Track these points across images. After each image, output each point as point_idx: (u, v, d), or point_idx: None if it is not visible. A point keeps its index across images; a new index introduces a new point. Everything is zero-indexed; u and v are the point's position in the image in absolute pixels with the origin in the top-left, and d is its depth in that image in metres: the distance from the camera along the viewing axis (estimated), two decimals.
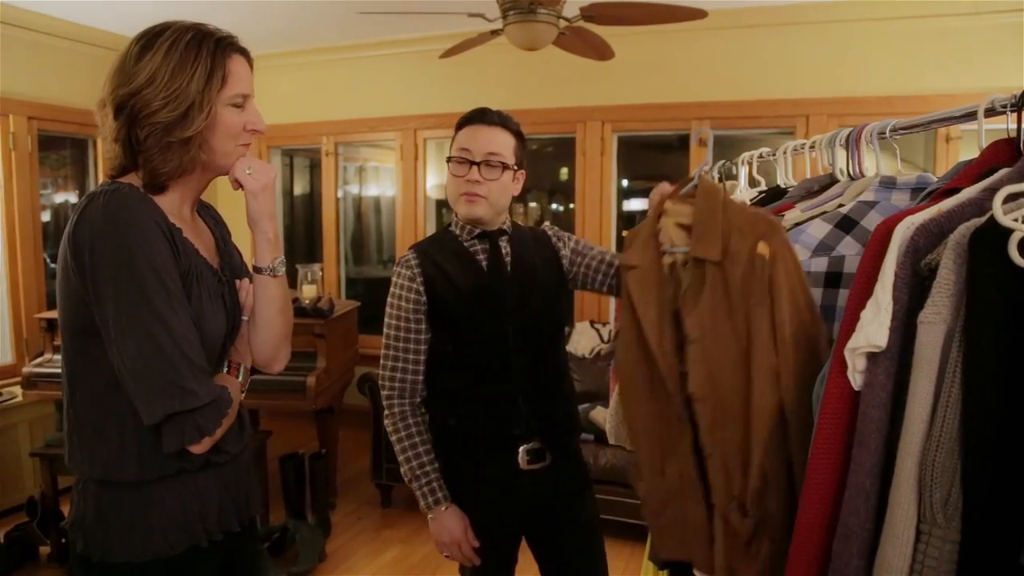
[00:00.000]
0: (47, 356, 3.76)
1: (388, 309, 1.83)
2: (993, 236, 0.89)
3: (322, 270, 4.88)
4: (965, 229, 0.94)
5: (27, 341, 4.20)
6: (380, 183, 6.78)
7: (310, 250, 5.87)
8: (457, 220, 1.88)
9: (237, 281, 1.47)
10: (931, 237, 1.00)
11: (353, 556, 3.46)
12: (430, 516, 1.80)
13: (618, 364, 1.58)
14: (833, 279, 1.37)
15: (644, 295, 1.48)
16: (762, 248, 1.29)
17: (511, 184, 1.84)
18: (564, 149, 4.83)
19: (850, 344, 1.04)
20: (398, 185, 5.19)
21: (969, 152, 2.57)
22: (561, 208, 6.74)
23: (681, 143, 4.64)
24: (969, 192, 1.04)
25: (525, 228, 1.99)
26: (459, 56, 3.60)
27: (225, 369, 1.42)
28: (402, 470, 1.82)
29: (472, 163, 1.78)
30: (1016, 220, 0.89)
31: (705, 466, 1.40)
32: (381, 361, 1.84)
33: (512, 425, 1.80)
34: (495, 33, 3.27)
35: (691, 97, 4.27)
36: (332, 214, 5.44)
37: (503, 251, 1.88)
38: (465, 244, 1.86)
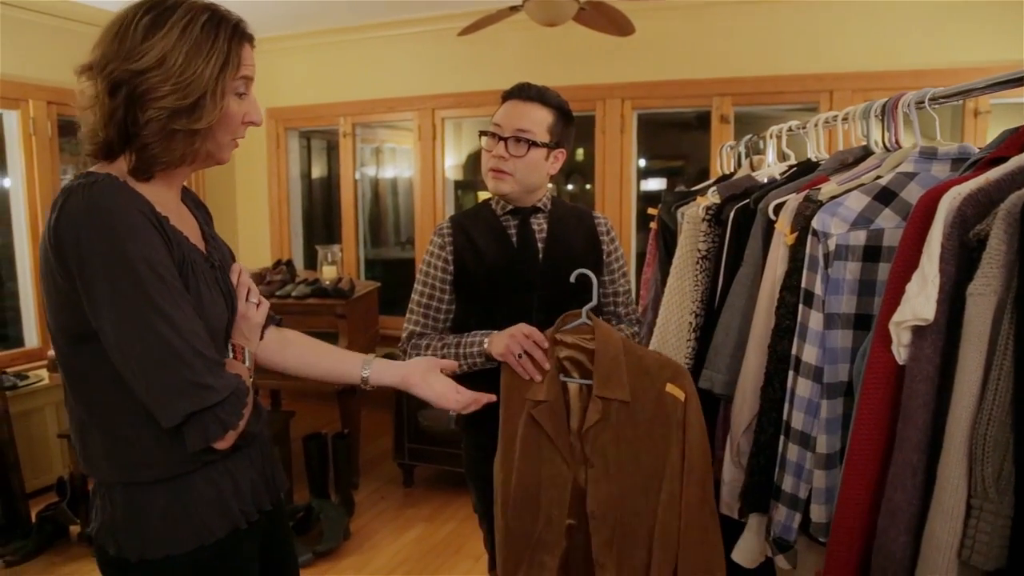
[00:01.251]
0: None
1: (418, 275, 1.86)
2: None
3: (341, 251, 4.90)
4: (1016, 198, 0.91)
5: None
6: (397, 164, 6.76)
7: (328, 232, 5.88)
8: (496, 196, 1.89)
9: (233, 269, 1.40)
10: (979, 207, 0.98)
11: (377, 534, 3.48)
12: (487, 346, 1.69)
13: (506, 475, 1.63)
14: (872, 253, 1.35)
15: (554, 424, 1.57)
16: (673, 390, 1.50)
17: (543, 163, 1.82)
18: (581, 129, 4.79)
19: (895, 318, 1.02)
20: (416, 165, 5.16)
21: (998, 127, 2.53)
22: (577, 189, 6.68)
23: (702, 121, 4.58)
24: (1019, 160, 1.02)
25: (569, 206, 1.98)
26: (477, 34, 3.56)
27: (230, 355, 1.33)
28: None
29: (501, 139, 1.76)
30: None
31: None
32: (405, 323, 1.87)
33: None
34: (514, 9, 3.23)
35: (712, 73, 4.20)
36: (350, 196, 5.43)
37: (535, 228, 1.87)
38: (500, 218, 1.87)
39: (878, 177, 1.44)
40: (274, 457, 1.45)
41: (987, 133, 3.73)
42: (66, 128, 4.52)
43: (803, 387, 1.33)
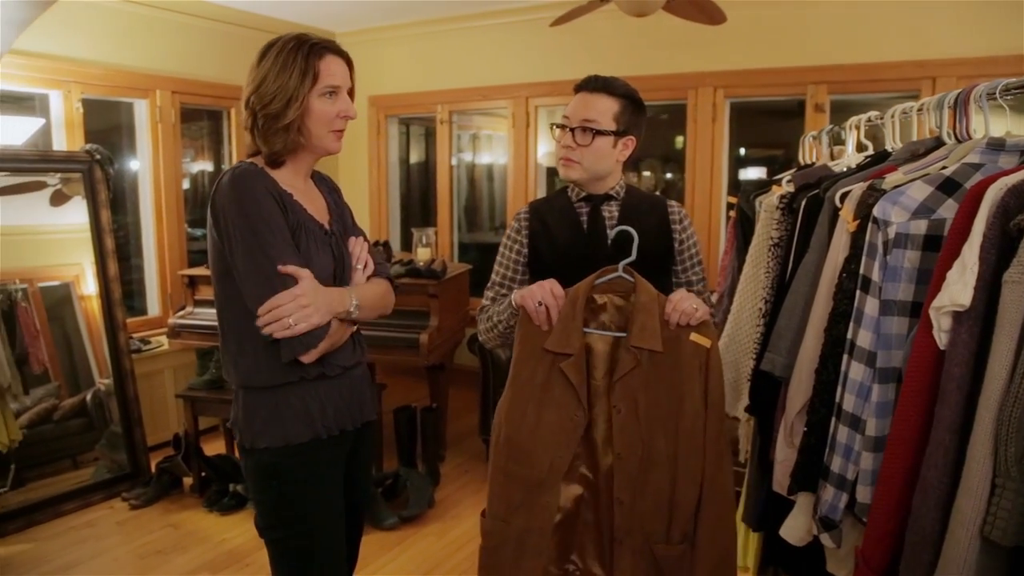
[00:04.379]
0: (189, 309, 4.13)
1: (498, 256, 2.00)
2: None
3: (436, 234, 5.09)
4: None
5: (171, 296, 4.61)
6: (493, 151, 6.91)
7: (425, 215, 6.09)
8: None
9: (351, 240, 1.80)
10: (1022, 198, 1.01)
11: (459, 505, 3.65)
12: (516, 300, 1.75)
13: (514, 420, 1.72)
14: (933, 242, 1.36)
15: (577, 374, 1.67)
16: (698, 338, 1.62)
17: (610, 150, 1.89)
18: (680, 116, 4.77)
19: (935, 303, 1.06)
20: (510, 152, 5.29)
21: None
22: (675, 177, 6.64)
23: (799, 108, 4.50)
24: None
25: (644, 195, 2.04)
26: (569, 24, 3.64)
27: None
28: (494, 320, 1.86)
29: (570, 129, 1.86)
30: None
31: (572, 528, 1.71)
32: (483, 301, 1.98)
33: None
34: (604, 0, 3.29)
35: (807, 61, 4.13)
36: (446, 181, 5.62)
37: (606, 215, 1.94)
38: (573, 205, 1.96)
39: (944, 168, 1.45)
40: (363, 392, 1.80)
41: None
42: (188, 115, 4.89)
43: (856, 371, 1.37)
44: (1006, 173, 1.08)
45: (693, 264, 2.06)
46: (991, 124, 1.46)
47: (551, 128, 1.96)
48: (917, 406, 1.13)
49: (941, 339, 1.07)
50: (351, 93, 1.71)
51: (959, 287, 1.02)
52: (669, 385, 1.63)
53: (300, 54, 1.60)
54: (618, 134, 1.88)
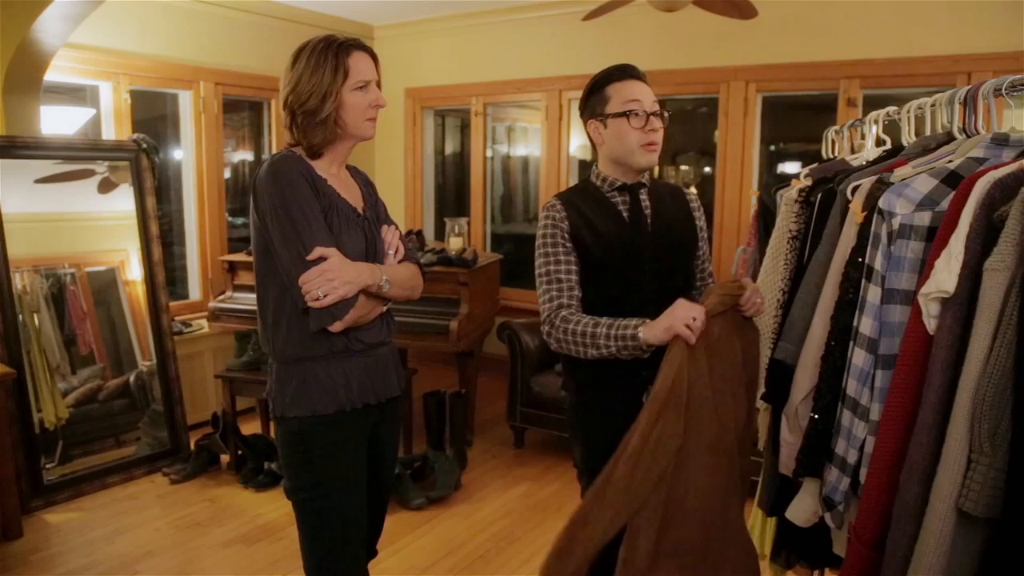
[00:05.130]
0: (228, 294, 4.29)
1: (538, 252, 1.93)
2: None
3: (468, 224, 5.18)
4: None
5: (212, 281, 4.78)
6: (528, 143, 6.99)
7: (459, 206, 6.19)
8: (598, 172, 1.99)
9: (384, 227, 1.93)
10: (1007, 190, 1.06)
11: (485, 488, 3.75)
12: (642, 334, 1.73)
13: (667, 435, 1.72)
14: (935, 234, 1.41)
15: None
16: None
17: None
18: (710, 109, 4.79)
19: (923, 290, 1.12)
20: (542, 145, 5.36)
21: None
22: (713, 171, 6.63)
23: (835, 103, 4.49)
24: None
25: (662, 183, 2.08)
26: (602, 18, 3.69)
27: None
28: (598, 344, 1.79)
29: (649, 114, 1.89)
30: None
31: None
32: (542, 302, 1.91)
33: (642, 366, 1.84)
34: None
35: (839, 55, 4.12)
36: (480, 172, 5.71)
37: (643, 203, 1.98)
38: (606, 195, 1.97)
39: (949, 162, 1.49)
40: (389, 369, 1.92)
41: None
42: (230, 106, 5.04)
43: (859, 357, 1.42)
44: (997, 167, 1.12)
45: (706, 251, 2.12)
46: (1005, 119, 1.50)
47: (620, 117, 1.91)
48: (908, 389, 1.18)
49: (930, 324, 1.13)
50: (379, 85, 1.84)
51: (945, 274, 1.07)
52: (735, 350, 1.83)
53: (330, 53, 1.73)
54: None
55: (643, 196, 1.99)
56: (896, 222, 1.40)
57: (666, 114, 1.91)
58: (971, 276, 1.06)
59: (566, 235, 1.91)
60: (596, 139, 1.99)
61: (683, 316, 1.68)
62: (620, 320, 1.79)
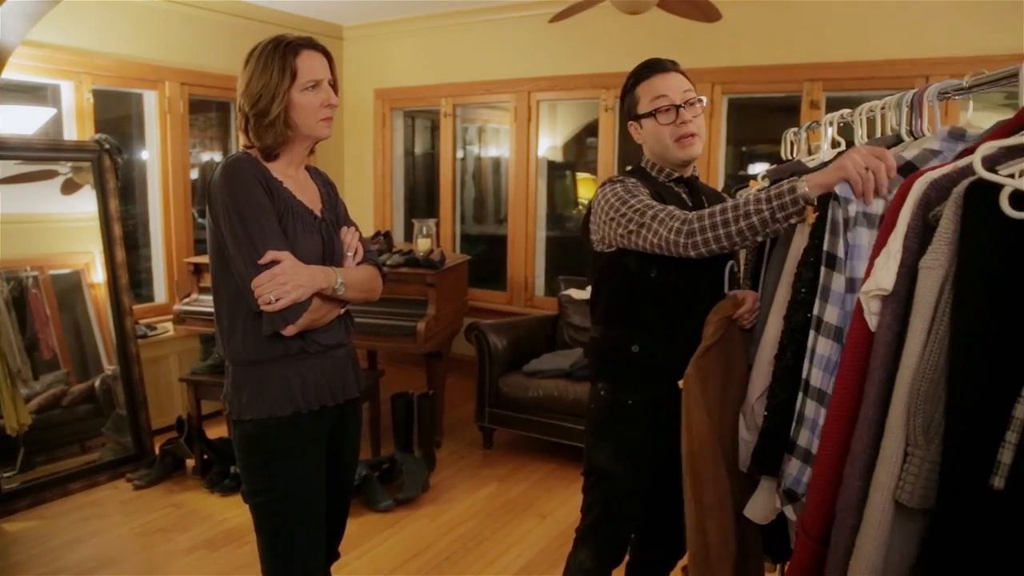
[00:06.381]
0: (194, 296, 4.24)
1: (628, 197, 1.80)
2: (987, 189, 0.97)
3: (437, 225, 5.17)
4: (965, 184, 1.02)
5: (177, 283, 4.73)
6: (499, 144, 7.00)
7: (430, 207, 6.18)
8: (650, 162, 1.96)
9: (343, 229, 1.92)
10: (941, 190, 1.08)
11: (454, 489, 3.75)
12: (805, 187, 1.50)
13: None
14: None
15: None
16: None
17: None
18: None
19: (864, 287, 1.15)
20: (511, 146, 5.38)
21: None
22: None
23: (799, 104, 4.55)
24: (984, 150, 1.10)
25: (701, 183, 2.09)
26: (570, 20, 3.71)
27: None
28: (749, 213, 1.59)
29: (677, 107, 1.87)
30: (1013, 175, 0.97)
31: None
32: (653, 233, 1.72)
33: (673, 356, 1.81)
34: None
35: (802, 58, 4.19)
36: (449, 173, 5.71)
37: (700, 194, 1.98)
38: (666, 185, 1.95)
39: (904, 152, 1.52)
40: (346, 371, 1.90)
41: None
42: (196, 106, 4.99)
43: (823, 346, 1.40)
44: (933, 168, 1.15)
45: None
46: (961, 120, 1.53)
47: (650, 116, 1.88)
48: (852, 385, 1.20)
49: (871, 321, 1.15)
50: (334, 84, 1.82)
51: (884, 272, 1.10)
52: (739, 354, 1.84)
53: (278, 54, 1.73)
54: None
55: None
56: (852, 208, 1.41)
57: (702, 100, 1.90)
58: (908, 274, 1.09)
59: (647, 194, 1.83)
60: (638, 139, 1.99)
61: (857, 161, 1.39)
62: (766, 195, 1.58)
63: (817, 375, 1.45)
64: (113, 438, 3.89)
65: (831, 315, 1.43)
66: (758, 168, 6.38)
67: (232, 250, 1.70)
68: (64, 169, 3.90)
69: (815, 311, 1.47)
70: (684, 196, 1.95)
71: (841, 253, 1.43)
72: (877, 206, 1.44)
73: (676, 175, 1.95)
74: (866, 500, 1.09)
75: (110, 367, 3.94)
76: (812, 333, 1.47)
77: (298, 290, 1.68)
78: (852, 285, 1.42)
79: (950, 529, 0.97)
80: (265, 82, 1.71)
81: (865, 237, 1.42)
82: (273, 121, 1.73)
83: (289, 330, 1.70)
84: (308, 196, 1.87)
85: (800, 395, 1.49)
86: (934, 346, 1.00)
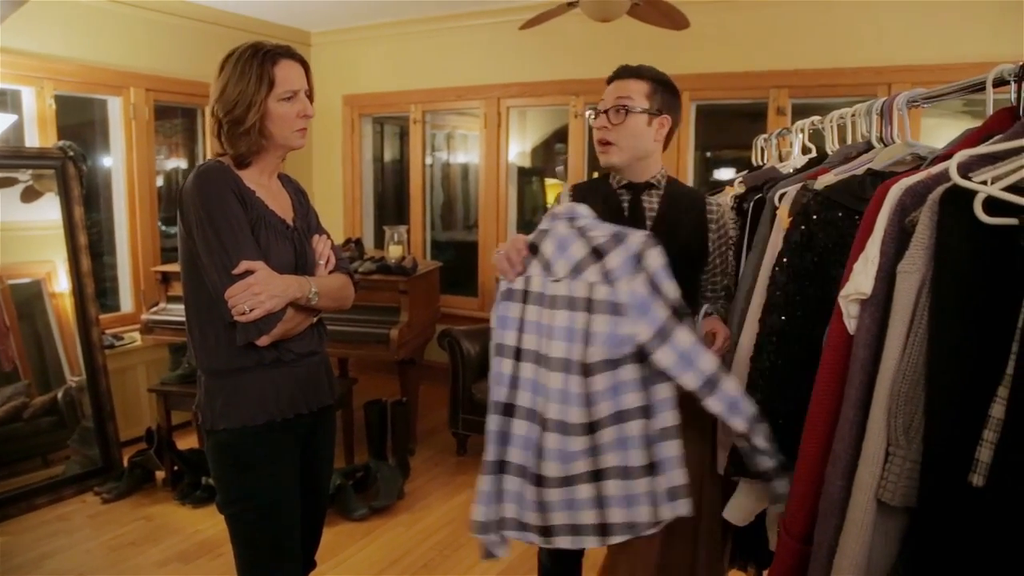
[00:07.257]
0: (162, 305, 4.18)
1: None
2: (961, 195, 1.00)
3: (408, 232, 5.16)
4: (940, 190, 1.05)
5: (144, 292, 4.65)
6: (468, 151, 7.00)
7: (399, 214, 6.16)
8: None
9: (315, 237, 1.92)
10: (917, 197, 1.12)
11: (429, 496, 3.74)
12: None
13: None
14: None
15: None
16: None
17: (645, 129, 1.87)
18: None
19: (843, 292, 1.17)
20: (481, 152, 5.38)
21: None
22: None
23: (765, 111, 4.62)
24: (957, 158, 1.14)
25: (685, 189, 2.04)
26: (540, 27, 3.73)
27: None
28: None
29: (604, 112, 1.88)
30: (987, 182, 1.00)
31: None
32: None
33: None
34: (571, 5, 3.39)
35: (769, 65, 4.26)
36: (419, 180, 5.69)
37: (646, 205, 1.94)
38: (616, 192, 1.95)
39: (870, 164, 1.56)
40: (320, 378, 1.90)
41: None
42: (162, 113, 4.92)
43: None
44: (908, 174, 1.18)
45: (723, 269, 2.01)
46: (923, 127, 1.58)
47: (588, 118, 1.93)
48: (832, 387, 1.23)
49: (850, 325, 1.18)
50: (310, 94, 1.82)
51: (862, 277, 1.12)
52: None
53: (256, 62, 1.71)
54: (651, 113, 1.87)
55: (650, 197, 1.95)
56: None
57: (623, 109, 1.84)
58: (886, 278, 1.11)
59: None
60: None
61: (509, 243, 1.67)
62: None
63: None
64: (80, 451, 3.80)
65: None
66: (723, 174, 6.49)
67: (205, 260, 1.68)
68: (24, 176, 3.81)
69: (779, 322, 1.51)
70: (626, 207, 1.93)
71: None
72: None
73: (627, 181, 1.95)
74: (848, 500, 1.11)
75: (73, 378, 3.85)
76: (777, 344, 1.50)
77: (272, 300, 1.67)
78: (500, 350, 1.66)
79: (932, 526, 1.00)
80: (242, 89, 1.69)
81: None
82: (248, 129, 1.71)
83: (263, 340, 1.69)
84: (280, 205, 1.85)
85: None
86: (913, 348, 1.03)
